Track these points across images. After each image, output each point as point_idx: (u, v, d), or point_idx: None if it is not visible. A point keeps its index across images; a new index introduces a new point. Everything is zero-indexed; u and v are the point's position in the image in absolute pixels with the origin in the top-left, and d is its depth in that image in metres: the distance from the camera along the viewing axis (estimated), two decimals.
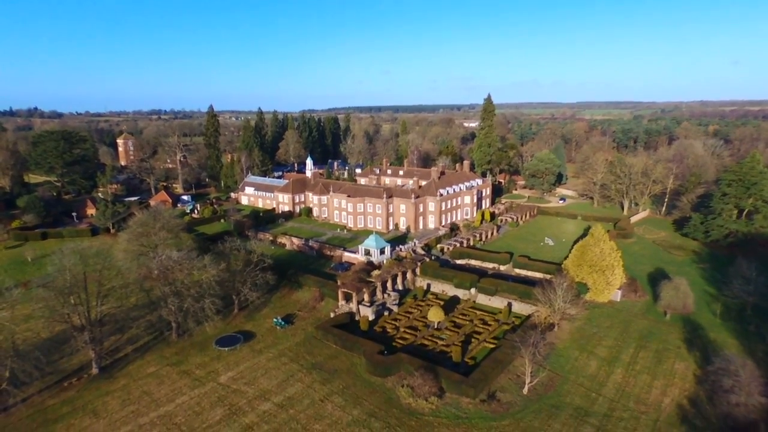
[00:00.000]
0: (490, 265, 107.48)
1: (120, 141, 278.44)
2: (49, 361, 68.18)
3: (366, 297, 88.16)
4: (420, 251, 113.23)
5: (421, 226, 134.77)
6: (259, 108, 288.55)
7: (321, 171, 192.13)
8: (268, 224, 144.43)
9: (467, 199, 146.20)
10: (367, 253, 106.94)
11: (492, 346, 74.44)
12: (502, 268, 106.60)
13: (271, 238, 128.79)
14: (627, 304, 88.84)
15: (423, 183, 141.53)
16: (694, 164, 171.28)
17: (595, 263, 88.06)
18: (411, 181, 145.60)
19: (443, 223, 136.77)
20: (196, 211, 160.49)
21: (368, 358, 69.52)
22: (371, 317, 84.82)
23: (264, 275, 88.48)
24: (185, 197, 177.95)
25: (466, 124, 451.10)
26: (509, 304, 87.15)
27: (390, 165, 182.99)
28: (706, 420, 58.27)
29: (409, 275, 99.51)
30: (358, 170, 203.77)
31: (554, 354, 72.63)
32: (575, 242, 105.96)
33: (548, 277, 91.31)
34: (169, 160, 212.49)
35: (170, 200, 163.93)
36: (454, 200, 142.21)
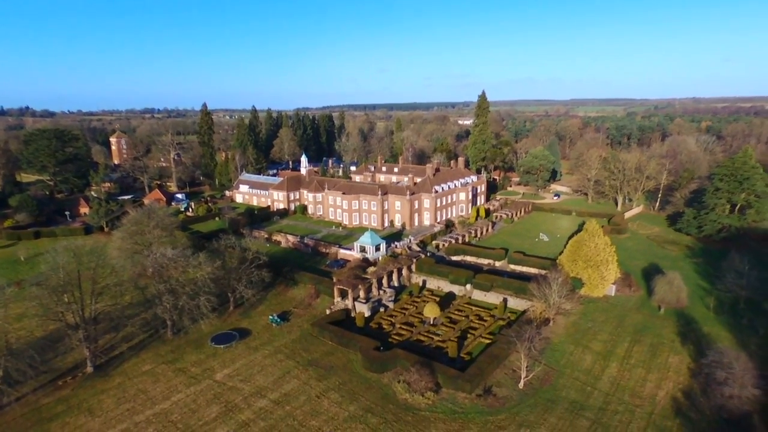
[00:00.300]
0: (486, 261, 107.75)
1: (113, 139, 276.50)
2: (44, 359, 67.72)
3: (362, 294, 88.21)
4: (415, 248, 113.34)
5: (416, 223, 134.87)
6: (253, 106, 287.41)
7: (316, 169, 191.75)
8: (263, 222, 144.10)
9: (462, 196, 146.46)
10: (363, 249, 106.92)
11: (488, 341, 74.67)
12: (498, 264, 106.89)
13: (266, 235, 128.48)
14: (621, 298, 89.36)
15: (418, 180, 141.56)
16: (687, 160, 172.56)
17: (589, 258, 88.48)
18: (406, 178, 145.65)
19: (438, 220, 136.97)
20: (190, 210, 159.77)
21: (364, 354, 69.53)
22: (367, 314, 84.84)
23: (259, 272, 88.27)
24: (179, 195, 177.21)
25: (460, 122, 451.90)
26: (505, 300, 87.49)
27: (385, 162, 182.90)
28: (700, 412, 58.74)
29: (404, 272, 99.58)
30: (353, 168, 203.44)
31: (550, 349, 72.94)
32: (570, 238, 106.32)
33: (543, 272, 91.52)
34: (162, 159, 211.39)
35: (164, 198, 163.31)
36: (449, 197, 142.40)
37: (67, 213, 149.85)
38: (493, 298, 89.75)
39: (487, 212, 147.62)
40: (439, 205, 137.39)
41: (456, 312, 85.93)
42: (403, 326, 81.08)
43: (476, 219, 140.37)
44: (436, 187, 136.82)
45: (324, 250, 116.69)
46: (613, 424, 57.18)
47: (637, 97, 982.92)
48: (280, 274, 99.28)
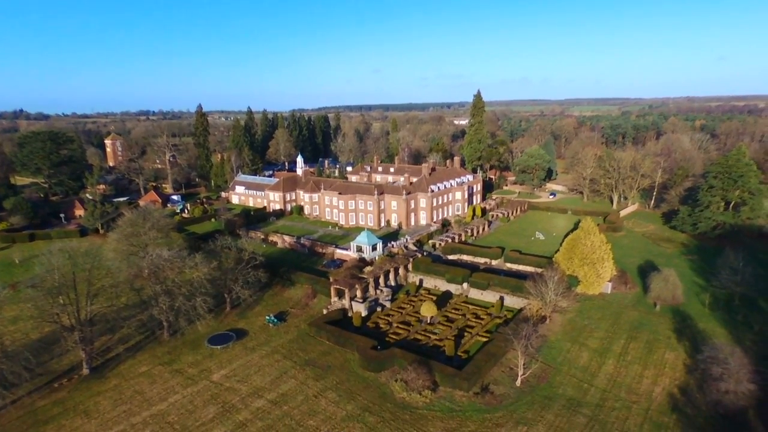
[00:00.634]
0: (482, 260, 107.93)
1: (108, 141, 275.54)
2: (39, 361, 67.28)
3: (358, 293, 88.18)
4: (412, 247, 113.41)
5: (412, 223, 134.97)
6: (249, 107, 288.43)
7: (312, 169, 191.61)
8: (260, 223, 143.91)
9: (458, 195, 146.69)
10: (359, 249, 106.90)
11: (485, 339, 74.80)
12: (494, 262, 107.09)
13: (262, 236, 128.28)
14: (617, 296, 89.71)
15: (414, 179, 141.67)
16: (681, 158, 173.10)
17: (585, 256, 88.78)
18: (402, 178, 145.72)
19: (435, 219, 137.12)
20: (186, 211, 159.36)
21: (361, 353, 69.53)
22: (364, 313, 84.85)
23: (256, 273, 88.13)
24: (175, 197, 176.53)
25: (456, 122, 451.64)
26: (501, 298, 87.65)
27: (381, 162, 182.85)
28: (696, 408, 59.05)
29: (401, 271, 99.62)
30: (349, 168, 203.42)
31: (546, 346, 73.15)
32: (566, 236, 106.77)
33: (539, 270, 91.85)
34: (158, 160, 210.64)
35: (160, 200, 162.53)
36: (445, 196, 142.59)
37: (62, 215, 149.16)
38: (489, 296, 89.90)
39: (483, 211, 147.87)
40: (435, 204, 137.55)
41: (453, 311, 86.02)
42: (400, 325, 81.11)
43: (472, 218, 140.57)
44: (432, 187, 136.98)
45: (321, 250, 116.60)
46: (610, 420, 57.40)
47: (632, 97, 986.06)
48: (276, 275, 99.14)
